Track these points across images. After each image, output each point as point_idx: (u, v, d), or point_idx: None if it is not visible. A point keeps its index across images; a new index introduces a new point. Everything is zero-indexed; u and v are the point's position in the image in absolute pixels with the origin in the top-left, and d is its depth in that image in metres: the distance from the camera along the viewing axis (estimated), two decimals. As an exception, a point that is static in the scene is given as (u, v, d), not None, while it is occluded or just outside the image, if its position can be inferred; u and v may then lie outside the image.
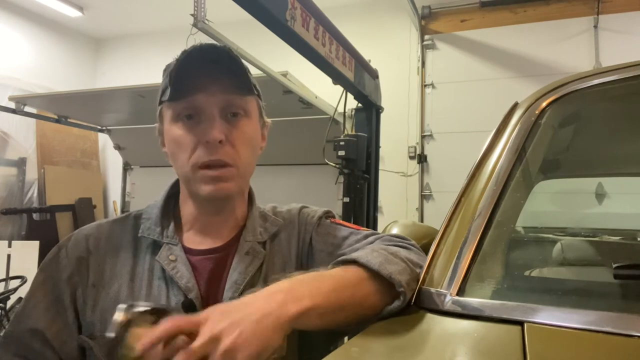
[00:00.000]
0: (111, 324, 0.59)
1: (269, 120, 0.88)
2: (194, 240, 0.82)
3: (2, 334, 0.79)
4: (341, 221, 0.91)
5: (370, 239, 0.82)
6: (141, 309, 0.61)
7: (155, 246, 0.80)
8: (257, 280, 0.79)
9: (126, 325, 0.58)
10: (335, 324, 0.65)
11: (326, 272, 0.69)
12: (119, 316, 0.59)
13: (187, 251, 0.80)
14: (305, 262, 0.85)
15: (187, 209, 0.84)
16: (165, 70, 0.80)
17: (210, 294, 0.77)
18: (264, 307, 0.58)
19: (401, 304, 0.67)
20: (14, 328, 0.76)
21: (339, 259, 0.73)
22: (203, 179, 0.76)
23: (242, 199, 0.87)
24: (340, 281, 0.67)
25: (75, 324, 0.76)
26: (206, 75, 0.75)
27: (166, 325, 0.55)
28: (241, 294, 0.76)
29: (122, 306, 0.60)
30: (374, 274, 0.68)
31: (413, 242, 0.83)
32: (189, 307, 0.73)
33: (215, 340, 0.54)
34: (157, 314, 0.62)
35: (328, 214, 0.92)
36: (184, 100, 0.75)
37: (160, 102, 0.80)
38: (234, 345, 0.53)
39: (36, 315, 0.75)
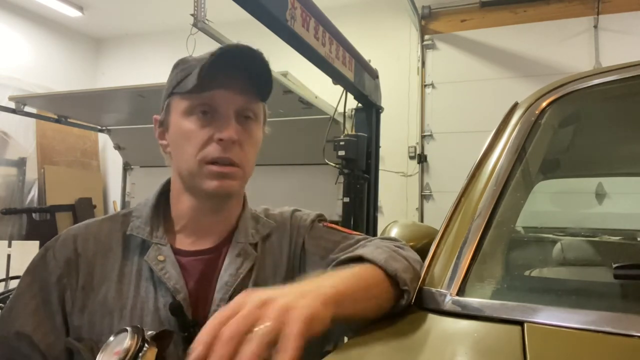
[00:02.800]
0: (116, 348, 0.57)
1: (267, 129, 0.88)
2: (184, 241, 0.81)
3: None
4: (334, 225, 0.90)
5: (363, 243, 0.82)
6: (149, 333, 0.60)
7: (144, 246, 0.79)
8: (247, 282, 0.79)
9: (136, 351, 0.57)
10: (364, 315, 0.63)
11: (342, 269, 0.67)
12: (127, 342, 0.57)
13: (177, 252, 0.79)
14: (297, 265, 0.85)
15: (181, 207, 0.82)
16: (178, 65, 0.80)
17: (200, 296, 0.76)
18: (302, 288, 0.55)
19: (406, 303, 0.67)
20: (0, 331, 0.76)
21: (345, 256, 0.73)
22: (209, 175, 0.75)
23: (239, 200, 0.86)
24: (359, 273, 0.65)
25: (63, 327, 0.75)
26: (232, 73, 0.75)
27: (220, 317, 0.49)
28: (231, 295, 0.76)
29: (128, 330, 0.58)
30: (381, 271, 0.67)
31: (404, 242, 0.83)
32: (176, 309, 0.72)
33: (264, 303, 0.49)
34: (160, 337, 0.61)
35: (321, 218, 0.91)
36: (203, 95, 0.75)
37: (172, 94, 0.79)
38: (288, 304, 0.48)
39: (23, 319, 0.74)
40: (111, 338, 0.62)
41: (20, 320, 0.74)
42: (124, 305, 0.74)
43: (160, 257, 0.77)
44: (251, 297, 0.50)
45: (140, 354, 0.57)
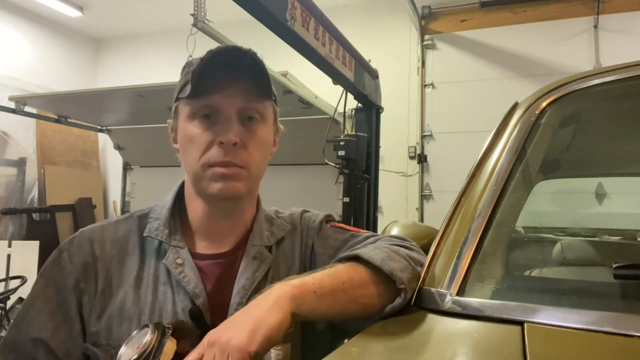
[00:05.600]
0: (137, 343, 0.59)
1: (282, 126, 0.88)
2: (200, 244, 0.81)
3: (1, 340, 0.75)
4: (342, 224, 0.90)
5: (371, 240, 0.82)
6: (167, 326, 0.62)
7: (161, 249, 0.78)
8: (264, 285, 0.77)
9: (157, 345, 0.59)
10: (336, 311, 0.65)
11: (324, 268, 0.70)
12: (148, 337, 0.59)
13: (194, 255, 0.78)
14: (308, 267, 0.85)
15: (195, 211, 0.82)
16: (184, 68, 0.80)
17: (218, 300, 0.76)
18: (254, 302, 0.61)
19: (402, 302, 0.67)
20: (15, 336, 0.74)
21: (342, 255, 0.73)
22: (212, 177, 0.75)
23: (252, 202, 0.86)
24: (334, 269, 0.68)
25: (81, 332, 0.74)
26: (227, 76, 0.75)
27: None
28: (249, 299, 0.75)
29: (150, 326, 0.61)
30: (376, 270, 0.68)
31: (413, 242, 0.83)
32: (196, 315, 0.71)
33: (212, 344, 0.56)
34: (177, 328, 0.63)
35: (329, 218, 0.92)
36: (203, 99, 0.75)
37: (177, 99, 0.79)
38: (228, 338, 0.55)
39: (39, 324, 0.73)
40: (134, 332, 0.64)
41: (36, 326, 0.73)
42: (142, 311, 0.73)
43: (179, 261, 0.76)
44: (207, 339, 0.57)
45: (160, 349, 0.59)
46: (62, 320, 0.74)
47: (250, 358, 0.54)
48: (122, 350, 0.60)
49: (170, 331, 0.61)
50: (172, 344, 0.60)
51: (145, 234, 0.79)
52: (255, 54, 0.75)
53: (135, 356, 0.58)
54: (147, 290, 0.75)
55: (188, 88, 0.75)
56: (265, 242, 0.83)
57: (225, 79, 0.75)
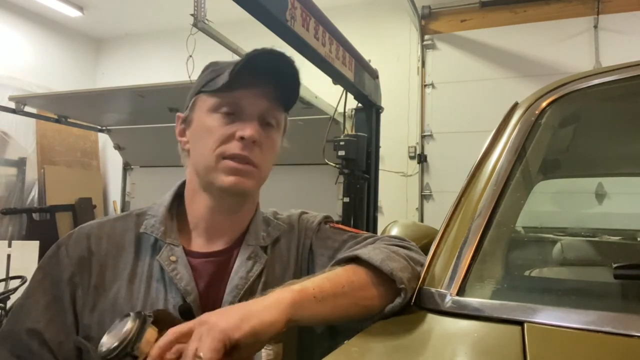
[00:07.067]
0: (118, 332, 0.59)
1: (286, 143, 0.89)
2: (196, 242, 0.82)
3: None
4: (340, 225, 0.91)
5: (370, 240, 0.82)
6: (147, 314, 0.62)
7: (156, 247, 0.79)
8: (257, 285, 0.79)
9: (137, 332, 0.59)
10: (337, 315, 0.65)
11: (325, 271, 0.70)
12: (128, 325, 0.59)
13: (189, 253, 0.79)
14: (305, 267, 0.85)
15: (195, 208, 0.82)
16: (209, 67, 0.82)
17: (210, 298, 0.76)
18: (254, 299, 0.61)
19: (402, 301, 0.67)
20: (11, 327, 0.75)
21: (341, 256, 0.74)
22: (226, 169, 0.76)
23: (253, 202, 0.87)
24: (333, 273, 0.68)
25: (74, 325, 0.75)
26: (262, 78, 0.78)
27: (169, 335, 0.57)
28: (241, 299, 0.76)
29: (131, 315, 0.61)
30: (376, 271, 0.68)
31: (413, 242, 0.83)
32: (185, 312, 0.72)
33: (200, 324, 0.56)
34: (159, 318, 0.63)
35: (327, 219, 0.92)
36: (230, 95, 0.77)
37: (199, 92, 0.81)
38: (217, 320, 0.55)
39: (35, 315, 0.74)
40: (116, 322, 0.64)
41: (32, 317, 0.74)
42: (134, 306, 0.74)
43: (173, 258, 0.77)
44: (200, 317, 0.58)
45: (140, 336, 0.59)
46: (57, 313, 0.75)
47: (231, 344, 0.54)
48: (104, 339, 0.60)
49: (152, 319, 0.62)
50: (153, 331, 0.60)
51: (141, 230, 0.80)
52: (294, 65, 0.78)
53: (115, 343, 0.58)
54: (140, 287, 0.76)
55: (217, 81, 0.77)
56: (260, 242, 0.83)
57: (258, 81, 0.77)
